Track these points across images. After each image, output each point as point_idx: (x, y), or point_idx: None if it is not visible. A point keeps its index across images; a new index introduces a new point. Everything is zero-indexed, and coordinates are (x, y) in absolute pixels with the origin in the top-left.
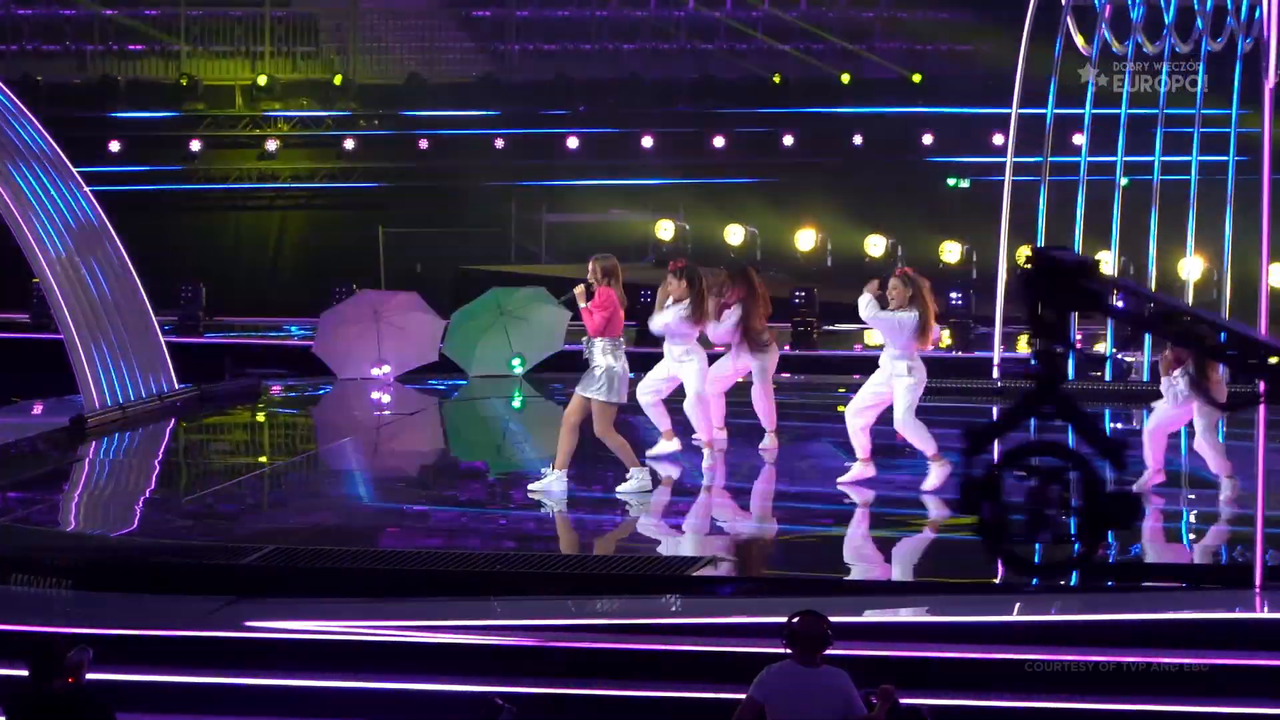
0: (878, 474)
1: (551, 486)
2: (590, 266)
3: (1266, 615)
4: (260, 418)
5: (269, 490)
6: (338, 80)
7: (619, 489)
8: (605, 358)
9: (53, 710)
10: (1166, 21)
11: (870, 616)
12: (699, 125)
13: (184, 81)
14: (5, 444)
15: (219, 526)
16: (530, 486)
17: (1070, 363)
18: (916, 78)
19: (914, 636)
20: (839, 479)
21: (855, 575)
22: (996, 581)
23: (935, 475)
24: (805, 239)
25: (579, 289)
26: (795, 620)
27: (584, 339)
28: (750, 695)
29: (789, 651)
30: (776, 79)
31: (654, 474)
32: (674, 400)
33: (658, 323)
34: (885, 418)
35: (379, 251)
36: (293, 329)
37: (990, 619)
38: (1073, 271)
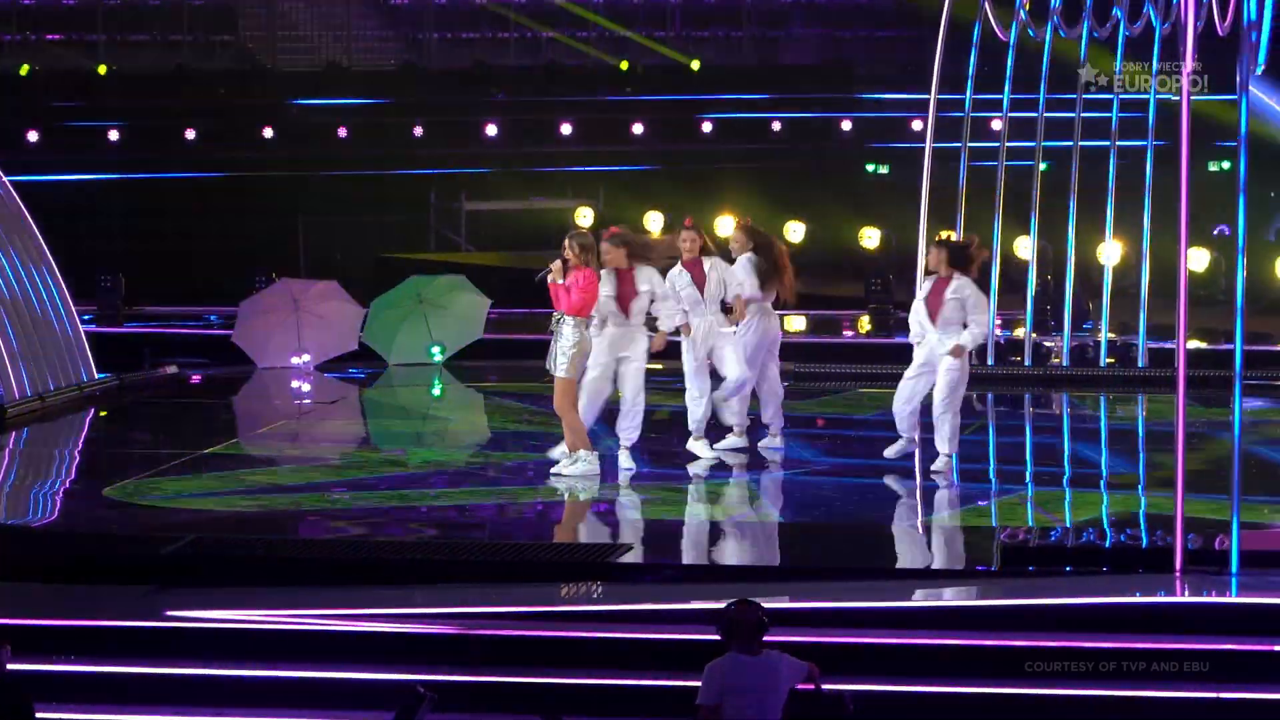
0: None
1: (585, 468)
2: (566, 243)
3: (1187, 599)
4: (180, 407)
5: (189, 479)
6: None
7: (564, 469)
8: (574, 335)
9: None
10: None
11: (790, 602)
12: (618, 112)
13: (101, 71)
14: None
15: (139, 516)
16: (557, 471)
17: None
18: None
19: (836, 622)
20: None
21: (775, 561)
22: (920, 567)
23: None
24: (725, 225)
25: (555, 264)
26: (732, 609)
27: (553, 316)
28: (701, 702)
29: (728, 643)
30: (695, 65)
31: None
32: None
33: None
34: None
35: (299, 239)
36: (212, 318)
37: (911, 604)
38: None
